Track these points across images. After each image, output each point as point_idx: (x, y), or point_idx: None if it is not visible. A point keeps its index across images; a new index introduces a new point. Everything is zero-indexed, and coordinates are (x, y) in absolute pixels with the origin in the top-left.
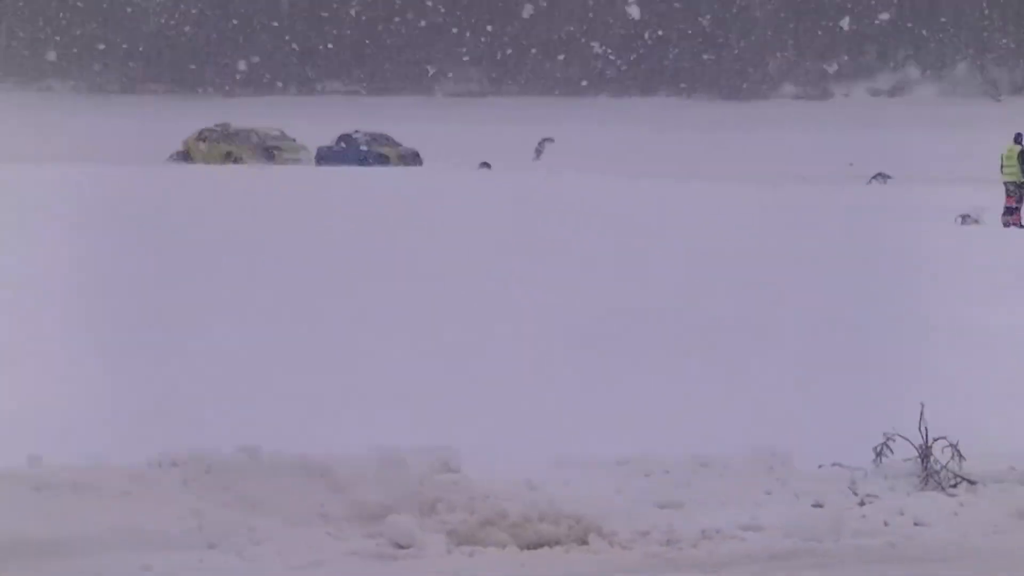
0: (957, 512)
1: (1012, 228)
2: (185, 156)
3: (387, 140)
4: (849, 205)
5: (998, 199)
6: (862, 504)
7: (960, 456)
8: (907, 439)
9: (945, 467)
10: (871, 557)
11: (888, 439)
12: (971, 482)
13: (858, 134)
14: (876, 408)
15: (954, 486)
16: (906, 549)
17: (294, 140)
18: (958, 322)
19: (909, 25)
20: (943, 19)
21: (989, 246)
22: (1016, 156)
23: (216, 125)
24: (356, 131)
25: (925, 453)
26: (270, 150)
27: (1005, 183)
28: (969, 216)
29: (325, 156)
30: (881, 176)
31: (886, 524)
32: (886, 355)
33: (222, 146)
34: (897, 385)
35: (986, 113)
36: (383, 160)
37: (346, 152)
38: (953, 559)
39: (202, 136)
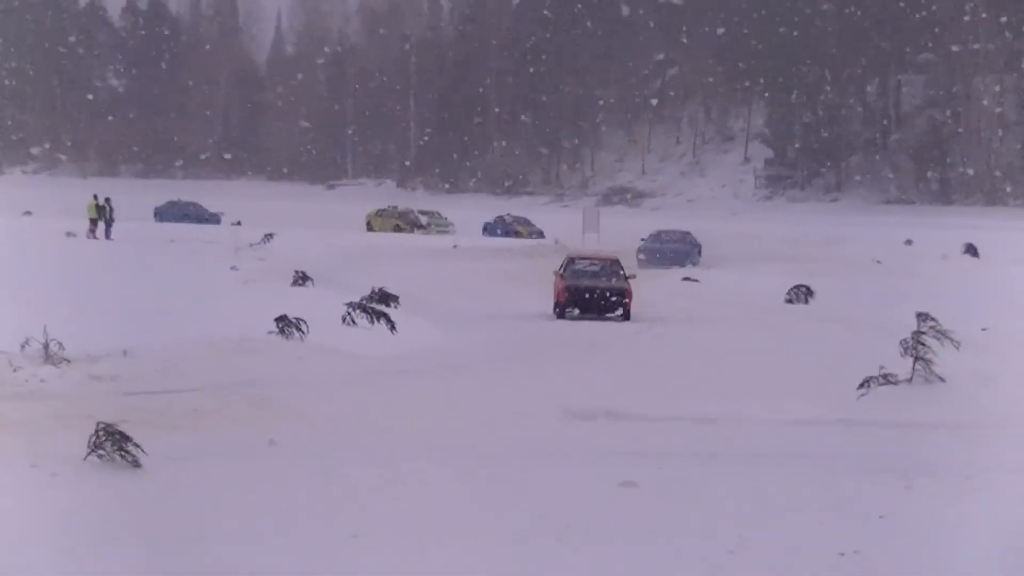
0: None
1: None
2: (368, 226)
3: (525, 221)
4: None
5: None
6: None
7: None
8: None
9: None
10: None
11: None
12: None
13: None
14: None
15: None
16: None
17: (445, 218)
18: None
19: None
20: None
21: None
22: None
23: (388, 206)
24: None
25: None
26: (423, 225)
27: None
28: None
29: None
30: None
31: None
32: None
33: (391, 220)
34: None
35: None
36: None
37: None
38: None
39: (379, 213)
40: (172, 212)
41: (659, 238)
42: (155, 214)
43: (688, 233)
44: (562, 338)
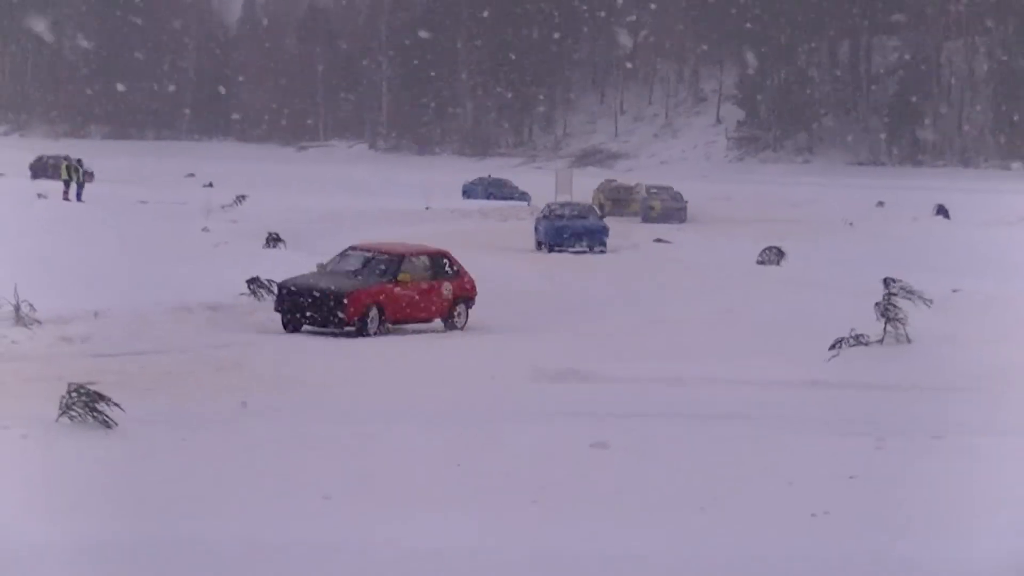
0: None
1: None
2: None
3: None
4: None
5: None
6: None
7: None
8: None
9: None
10: None
11: None
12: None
13: None
14: None
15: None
16: None
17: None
18: None
19: None
20: None
21: None
22: None
23: None
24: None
25: None
26: None
27: None
28: None
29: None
30: None
31: None
32: None
33: None
34: None
35: None
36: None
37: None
38: None
39: None
40: None
41: (559, 213)
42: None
43: (591, 207)
44: (534, 301)
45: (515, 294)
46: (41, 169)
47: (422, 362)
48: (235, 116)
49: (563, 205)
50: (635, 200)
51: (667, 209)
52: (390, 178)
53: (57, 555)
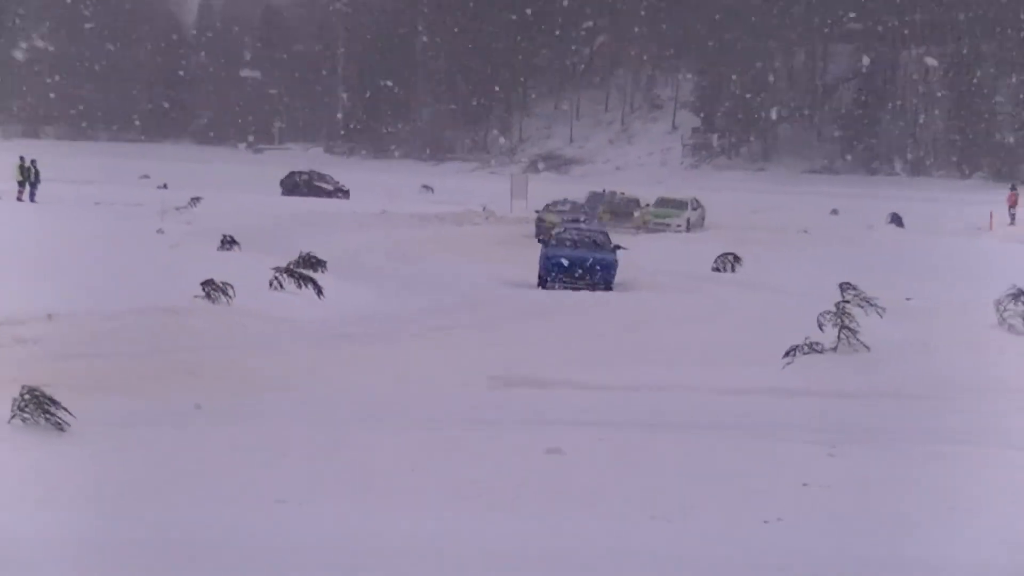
0: None
1: None
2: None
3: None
4: None
5: None
6: None
7: None
8: None
9: None
10: None
11: None
12: None
13: None
14: None
15: None
16: None
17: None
18: None
19: None
20: None
21: None
22: None
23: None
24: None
25: None
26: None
27: None
28: None
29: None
30: None
31: None
32: None
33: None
34: None
35: None
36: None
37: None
38: None
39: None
40: None
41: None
42: None
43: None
44: (492, 305)
45: (470, 288)
46: None
47: (378, 365)
48: (190, 118)
49: (572, 224)
50: (635, 214)
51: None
52: (346, 181)
53: (2, 553)
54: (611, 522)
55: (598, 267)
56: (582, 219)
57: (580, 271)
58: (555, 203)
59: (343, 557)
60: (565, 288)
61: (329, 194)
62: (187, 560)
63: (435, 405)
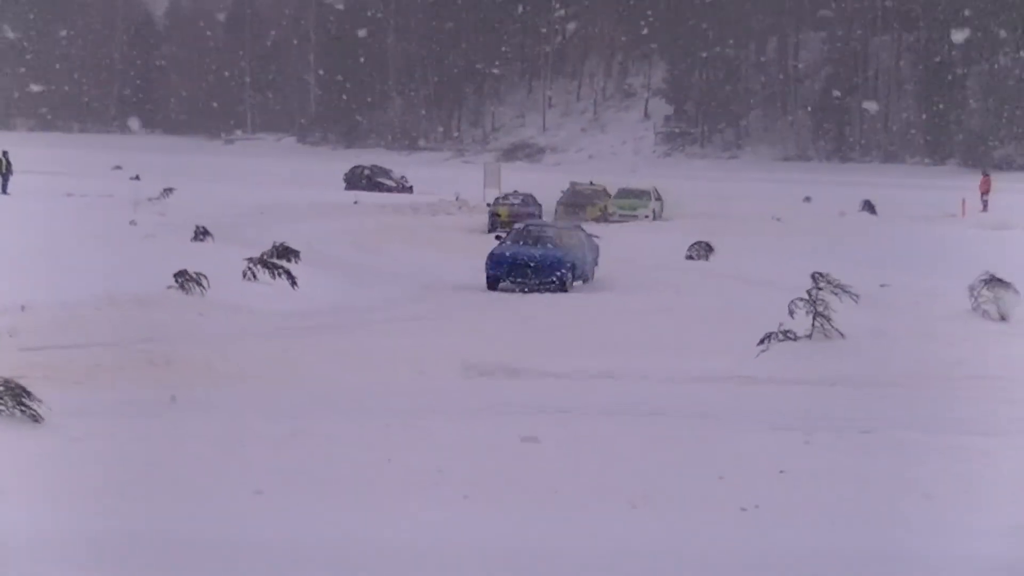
0: None
1: None
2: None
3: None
4: None
5: None
6: None
7: None
8: None
9: None
10: None
11: None
12: None
13: None
14: None
15: None
16: None
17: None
18: None
19: None
20: None
21: None
22: None
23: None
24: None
25: None
26: None
27: None
28: None
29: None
30: None
31: None
32: None
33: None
34: None
35: None
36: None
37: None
38: None
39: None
40: None
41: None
42: None
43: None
44: (464, 295)
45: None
46: None
47: (353, 355)
48: (162, 108)
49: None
50: (594, 205)
51: (516, 215)
52: (318, 171)
53: None
54: (591, 512)
55: (552, 266)
56: (534, 211)
57: (530, 271)
58: (506, 196)
59: (321, 548)
60: (515, 290)
61: (391, 190)
62: (165, 552)
63: (409, 395)
